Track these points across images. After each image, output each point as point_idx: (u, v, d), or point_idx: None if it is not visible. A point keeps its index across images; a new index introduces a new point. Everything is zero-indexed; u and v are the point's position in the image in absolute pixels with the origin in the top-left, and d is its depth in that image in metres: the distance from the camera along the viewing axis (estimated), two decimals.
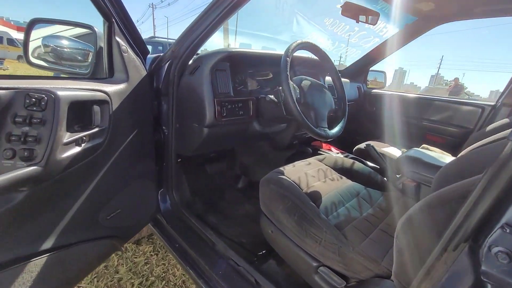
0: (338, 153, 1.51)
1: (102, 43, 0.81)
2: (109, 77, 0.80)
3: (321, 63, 1.12)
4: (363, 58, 1.94)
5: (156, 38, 6.89)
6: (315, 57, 1.19)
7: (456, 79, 11.48)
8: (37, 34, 0.83)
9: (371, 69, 2.06)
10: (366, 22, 1.29)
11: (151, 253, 1.50)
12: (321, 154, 1.51)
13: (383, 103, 2.00)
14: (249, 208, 1.44)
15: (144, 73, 0.88)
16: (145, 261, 1.44)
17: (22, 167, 0.52)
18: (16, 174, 0.50)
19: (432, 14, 1.47)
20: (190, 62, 0.98)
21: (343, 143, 1.75)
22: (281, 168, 1.05)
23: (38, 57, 0.94)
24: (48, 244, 0.64)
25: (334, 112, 1.10)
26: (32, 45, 0.83)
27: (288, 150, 1.58)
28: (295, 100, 0.88)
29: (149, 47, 1.08)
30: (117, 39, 0.77)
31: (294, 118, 0.92)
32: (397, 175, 1.17)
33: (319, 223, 0.77)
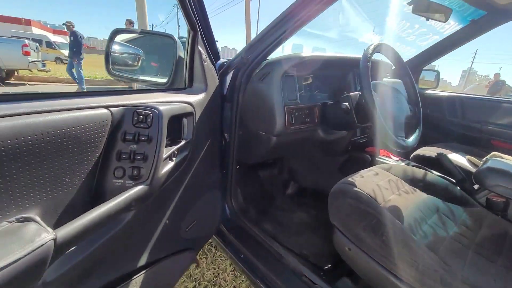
0: (398, 160, 1.42)
1: (181, 52, 0.79)
2: (189, 87, 0.78)
3: (395, 66, 1.04)
4: (418, 56, 1.81)
5: (183, 39, 7.06)
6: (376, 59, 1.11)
7: (497, 75, 10.60)
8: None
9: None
10: (438, 19, 1.19)
11: (200, 256, 1.50)
12: (381, 161, 1.42)
13: (438, 105, 1.86)
14: (302, 216, 1.39)
15: (217, 81, 0.86)
16: (195, 264, 1.45)
17: (131, 186, 0.51)
18: (130, 194, 0.49)
19: (509, 7, 1.33)
20: (258, 68, 0.95)
21: None
22: (350, 179, 0.99)
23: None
24: (143, 260, 0.64)
25: (409, 119, 1.02)
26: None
27: (340, 156, 1.51)
28: (377, 109, 0.81)
29: None
30: (199, 48, 0.75)
31: (372, 126, 0.85)
32: (476, 188, 1.07)
33: (413, 245, 0.71)
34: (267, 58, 0.96)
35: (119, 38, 0.88)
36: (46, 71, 7.24)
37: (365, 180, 0.99)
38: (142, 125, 0.52)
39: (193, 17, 0.69)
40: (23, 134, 0.35)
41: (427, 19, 1.18)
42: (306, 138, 1.09)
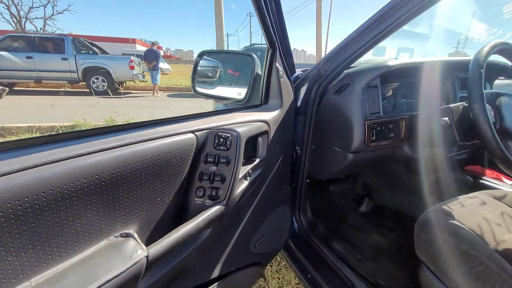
0: None
1: (259, 70, 0.82)
2: (264, 104, 0.79)
3: None
4: None
5: (255, 45, 7.42)
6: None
7: None
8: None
9: None
10: None
11: None
12: (487, 185, 1.16)
13: None
14: (378, 239, 1.25)
15: (292, 96, 0.84)
16: (262, 278, 1.47)
17: (209, 205, 0.54)
18: (208, 214, 0.52)
19: None
20: (336, 80, 0.89)
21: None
22: (446, 207, 0.83)
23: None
24: (216, 273, 0.68)
25: None
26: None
27: (431, 174, 1.29)
28: (492, 126, 0.65)
29: None
30: (277, 65, 0.75)
31: (486, 147, 0.69)
32: None
33: None
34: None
35: (205, 58, 0.97)
36: (145, 82, 8.74)
37: (467, 211, 0.82)
38: (222, 147, 0.55)
39: (273, 35, 0.69)
40: (129, 162, 0.41)
41: None
42: (388, 155, 0.97)
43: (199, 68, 1.30)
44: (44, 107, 3.53)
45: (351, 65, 0.89)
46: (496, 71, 1.12)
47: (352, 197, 1.50)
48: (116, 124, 0.49)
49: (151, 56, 7.34)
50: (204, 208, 0.54)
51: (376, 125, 0.87)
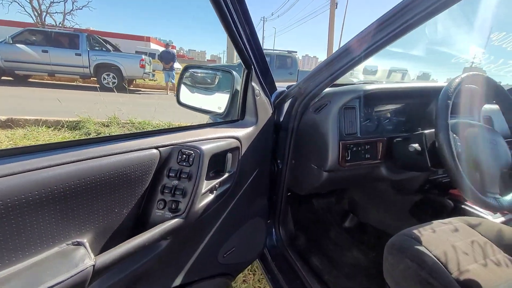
0: (495, 213, 1.11)
1: (238, 86, 0.85)
2: (241, 119, 0.82)
3: (497, 103, 0.83)
4: None
5: (265, 51, 7.51)
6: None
7: None
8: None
9: None
10: None
11: (249, 271, 1.54)
12: (468, 211, 1.15)
13: None
14: (358, 257, 1.25)
15: (270, 113, 0.87)
16: (244, 278, 1.49)
17: (169, 217, 0.57)
18: (166, 226, 0.55)
19: None
20: (317, 98, 0.91)
21: None
22: (415, 231, 0.83)
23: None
24: (178, 281, 0.71)
25: (510, 170, 0.79)
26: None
27: (415, 195, 1.29)
28: (455, 157, 0.66)
29: None
30: (253, 84, 0.78)
31: (450, 177, 0.70)
32: None
33: None
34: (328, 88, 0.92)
35: (189, 72, 1.01)
36: (154, 80, 8.94)
37: (436, 237, 0.82)
38: (184, 163, 0.58)
39: (247, 55, 0.72)
40: (85, 176, 0.44)
41: None
42: (366, 175, 0.98)
43: (200, 75, 1.37)
44: (54, 100, 3.65)
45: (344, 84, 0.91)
46: (477, 98, 1.12)
47: (337, 211, 1.50)
48: (79, 138, 0.52)
49: (168, 57, 7.73)
50: (164, 220, 0.57)
51: (352, 146, 0.88)
